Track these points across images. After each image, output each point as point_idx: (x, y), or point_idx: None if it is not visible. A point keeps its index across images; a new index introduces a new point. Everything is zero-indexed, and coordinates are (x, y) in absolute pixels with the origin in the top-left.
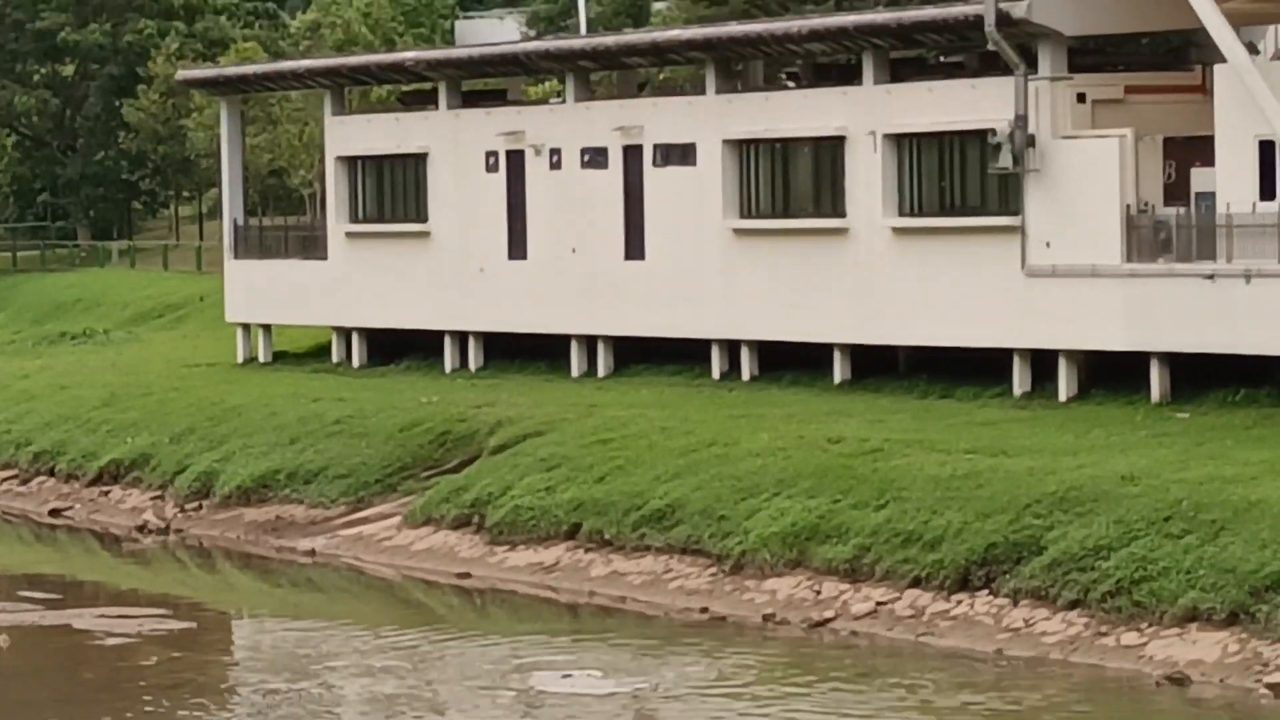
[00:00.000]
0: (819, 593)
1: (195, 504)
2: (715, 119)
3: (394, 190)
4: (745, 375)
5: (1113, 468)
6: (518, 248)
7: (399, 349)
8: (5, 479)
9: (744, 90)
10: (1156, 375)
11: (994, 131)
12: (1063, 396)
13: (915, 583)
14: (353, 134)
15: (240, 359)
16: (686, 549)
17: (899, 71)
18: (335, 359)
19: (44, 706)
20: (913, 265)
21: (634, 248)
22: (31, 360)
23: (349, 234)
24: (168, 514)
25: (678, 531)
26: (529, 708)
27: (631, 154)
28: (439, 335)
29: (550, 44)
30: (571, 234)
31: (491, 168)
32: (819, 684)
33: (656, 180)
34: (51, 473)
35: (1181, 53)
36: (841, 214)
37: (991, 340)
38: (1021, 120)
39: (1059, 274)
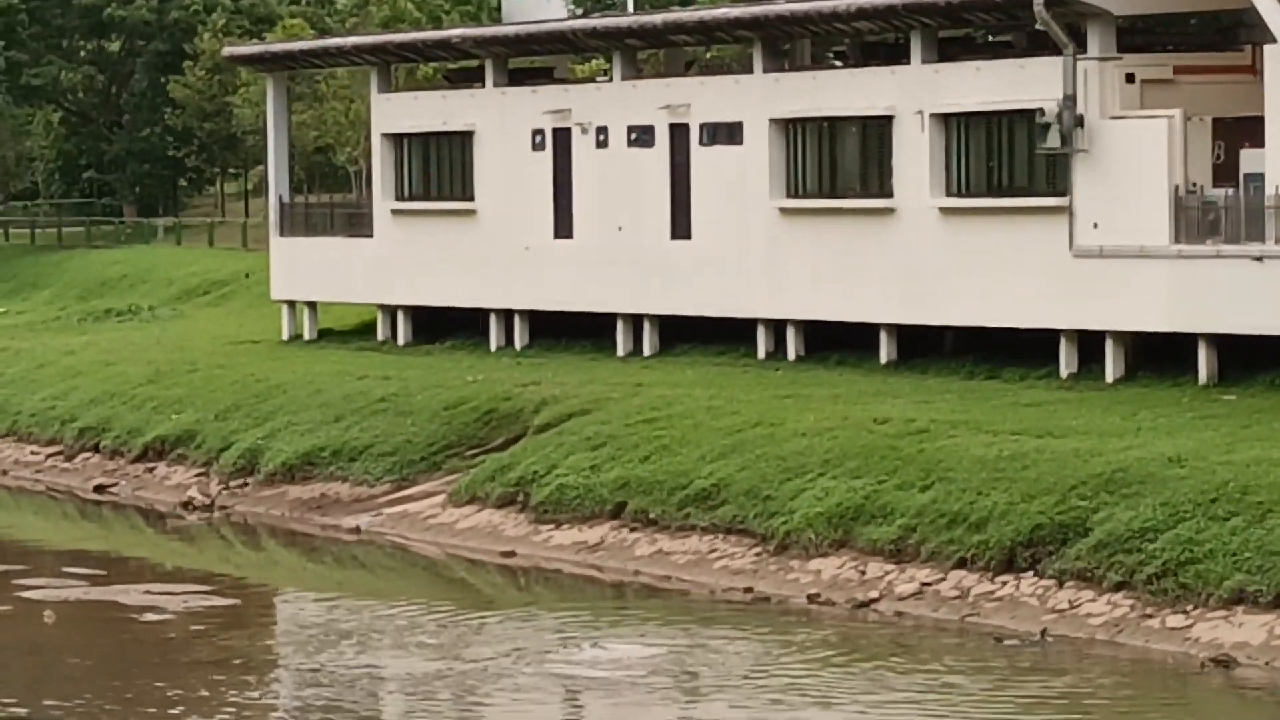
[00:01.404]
0: (864, 573)
1: (240, 481)
2: (762, 98)
3: (440, 168)
4: (791, 355)
5: (1159, 450)
6: (564, 226)
7: (444, 327)
8: (50, 455)
9: (791, 69)
10: (1204, 357)
11: (1042, 111)
12: (1109, 378)
13: (960, 564)
14: (399, 111)
15: (285, 336)
16: (731, 529)
17: (947, 51)
18: (380, 337)
19: (89, 681)
20: (960, 246)
21: (680, 227)
22: (77, 337)
23: (394, 212)
24: (212, 491)
25: (723, 511)
26: (569, 681)
27: (678, 133)
28: (484, 314)
29: (597, 22)
30: (618, 213)
31: (538, 146)
32: (861, 663)
33: (703, 159)
34: (96, 449)
35: (1231, 33)
36: (888, 194)
37: (1038, 321)
38: (1070, 100)
39: (1106, 255)
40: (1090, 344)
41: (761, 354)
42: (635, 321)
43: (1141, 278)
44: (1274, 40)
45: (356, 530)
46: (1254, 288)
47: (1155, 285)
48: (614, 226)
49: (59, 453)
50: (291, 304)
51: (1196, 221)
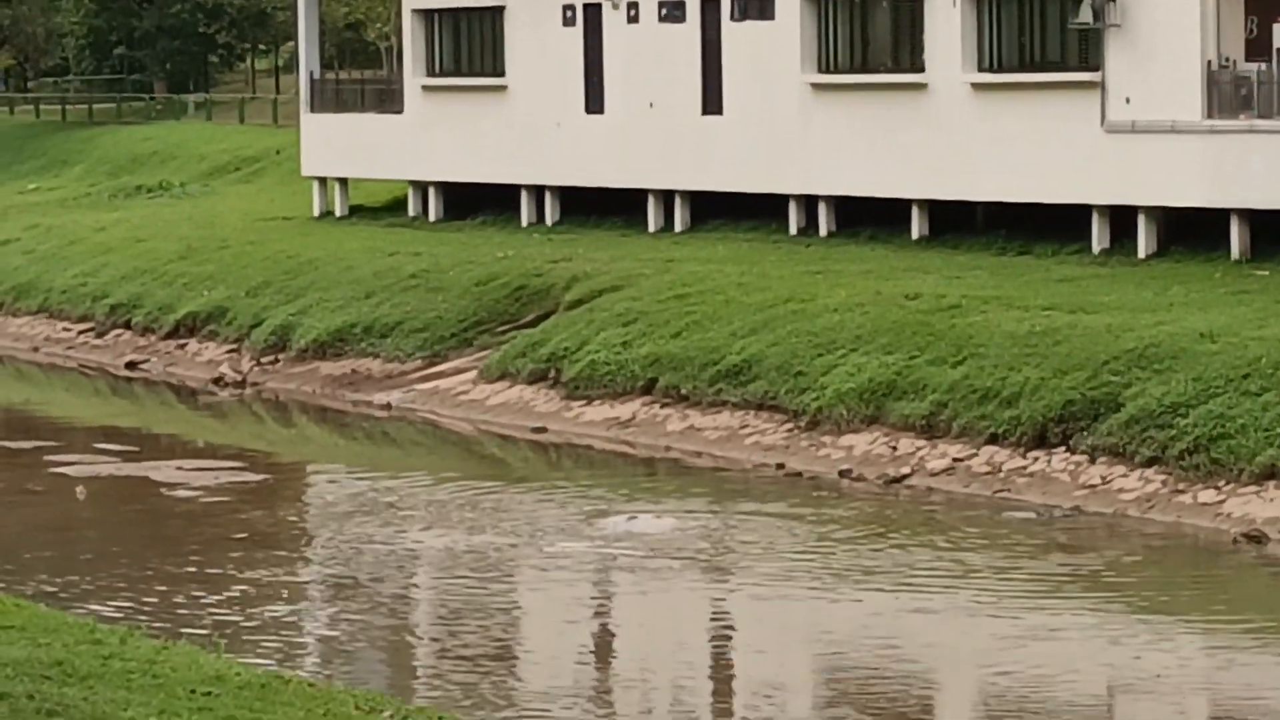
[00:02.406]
0: (895, 449)
1: (271, 357)
2: None
3: (471, 44)
4: (823, 231)
5: (1191, 325)
6: (595, 102)
7: (475, 203)
8: (82, 332)
9: None
10: (1236, 232)
11: None
12: (1142, 253)
13: (992, 439)
14: None
15: (316, 213)
16: (763, 405)
17: None
18: (411, 213)
19: (122, 557)
20: (991, 121)
21: (711, 102)
22: (108, 213)
23: (425, 88)
24: (244, 367)
25: (754, 387)
26: (599, 554)
27: (709, 8)
28: (515, 190)
29: None
30: (649, 89)
31: (569, 21)
32: (890, 535)
33: (734, 34)
34: (128, 326)
35: None
36: (920, 69)
37: (1070, 196)
38: None
39: (1139, 130)
40: (1122, 219)
41: (793, 230)
42: (667, 197)
43: (1174, 153)
44: None
45: (388, 406)
46: None
47: (1188, 160)
48: (645, 102)
49: (90, 329)
50: (322, 180)
51: (1229, 96)
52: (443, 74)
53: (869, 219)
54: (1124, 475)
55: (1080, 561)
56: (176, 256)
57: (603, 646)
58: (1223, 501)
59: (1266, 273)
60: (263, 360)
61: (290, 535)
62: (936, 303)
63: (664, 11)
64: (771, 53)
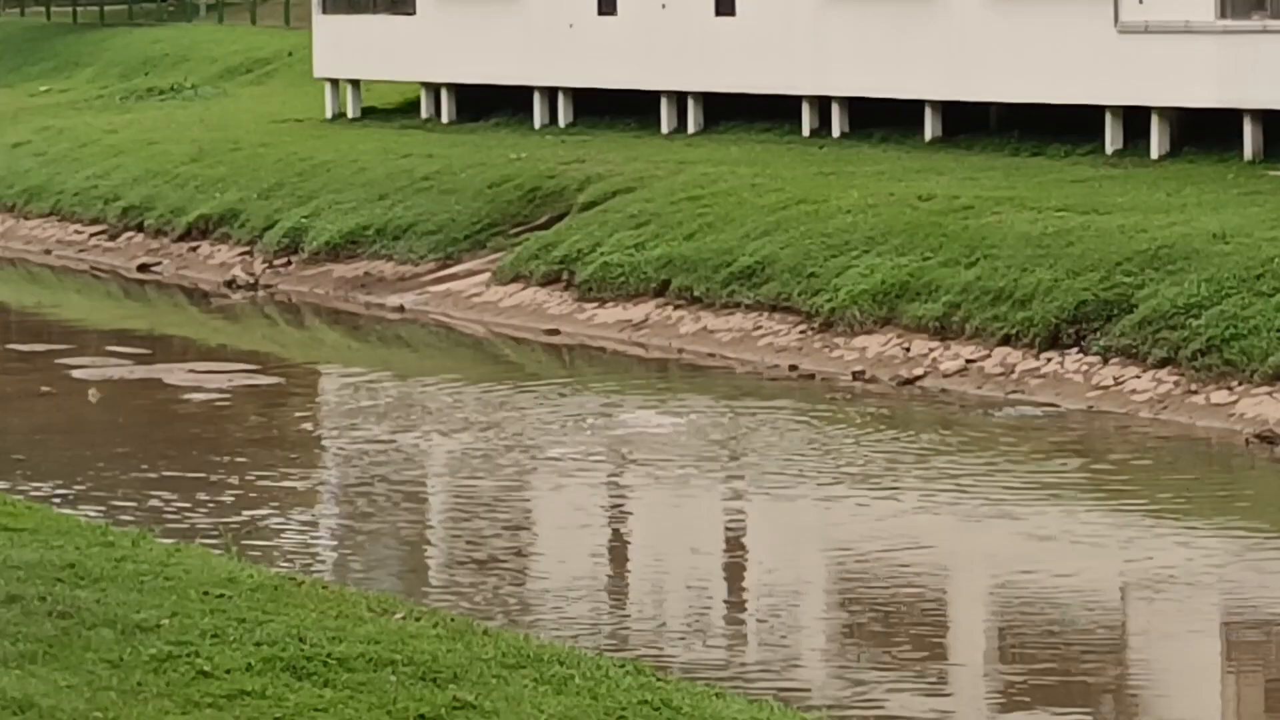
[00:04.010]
0: (908, 350)
1: (284, 260)
2: None
3: None
4: (835, 132)
5: (1204, 226)
6: (608, 3)
7: (488, 105)
8: (94, 235)
9: None
10: (1249, 133)
11: None
12: (1155, 154)
13: (1005, 340)
14: None
15: (328, 115)
16: (776, 306)
17: None
18: (424, 115)
19: (136, 459)
20: (1005, 21)
21: (725, 3)
22: (119, 115)
23: None
24: (256, 270)
25: (767, 289)
26: (612, 448)
27: None
28: (528, 91)
29: None
30: None
31: None
32: (903, 436)
33: None
34: (140, 228)
35: None
36: None
37: (1083, 97)
38: None
39: (1151, 30)
40: (1135, 120)
41: (806, 131)
42: (679, 99)
43: (1187, 53)
44: None
45: (400, 309)
46: None
47: (1201, 61)
48: (658, 3)
49: (102, 232)
50: (335, 82)
51: None
52: None
53: (882, 120)
54: (1136, 376)
55: (1092, 462)
56: (188, 159)
57: (615, 548)
58: (1235, 402)
59: (1279, 173)
60: (275, 263)
61: (303, 438)
62: (949, 204)
63: None
64: None
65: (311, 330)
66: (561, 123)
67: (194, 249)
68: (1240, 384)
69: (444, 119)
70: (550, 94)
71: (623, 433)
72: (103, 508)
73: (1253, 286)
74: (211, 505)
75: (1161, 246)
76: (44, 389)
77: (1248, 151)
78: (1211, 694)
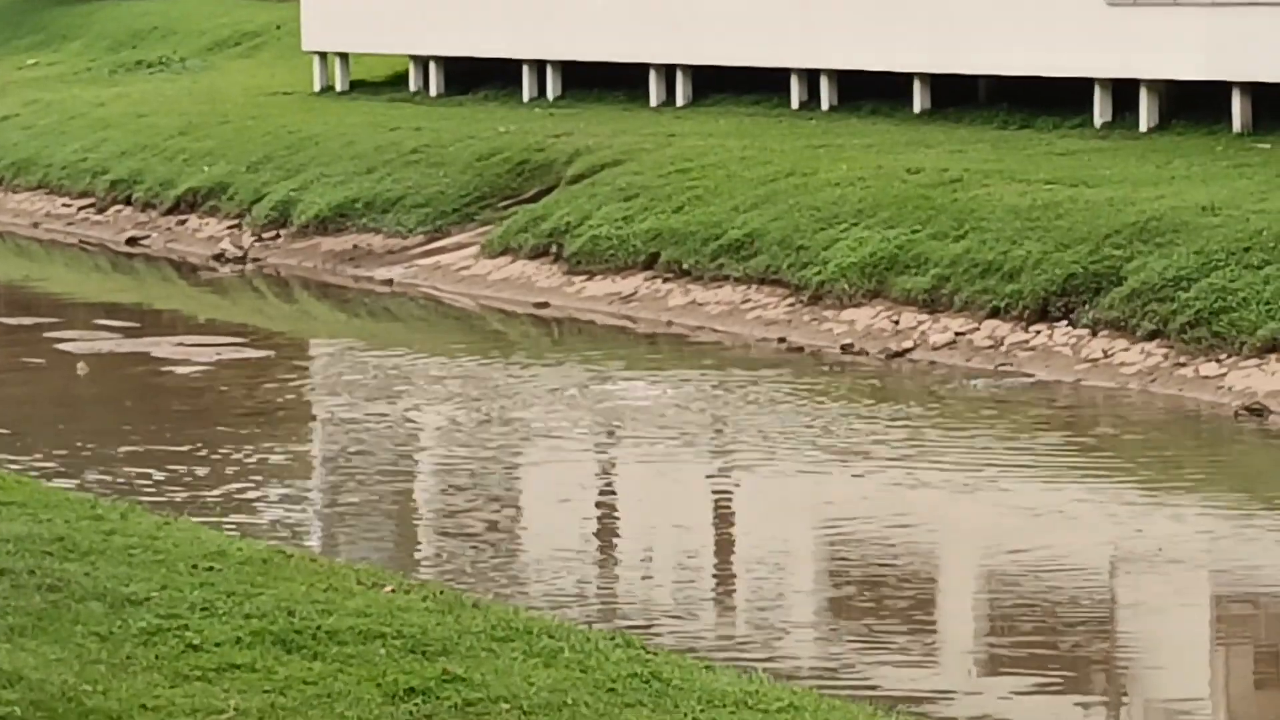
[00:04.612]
0: (897, 323)
1: (272, 233)
2: None
3: None
4: (824, 105)
5: (1193, 198)
6: None
7: (476, 78)
8: (82, 208)
9: None
10: (1238, 106)
11: None
12: (1143, 127)
13: (994, 313)
14: None
15: (317, 88)
16: (765, 279)
17: None
18: (412, 88)
19: (124, 433)
20: None
21: None
22: (107, 89)
23: None
24: (245, 243)
25: (756, 262)
26: (601, 421)
27: None
28: (516, 64)
29: None
30: None
31: None
32: (892, 409)
33: None
34: (128, 201)
35: None
36: None
37: (1072, 70)
38: None
39: (1141, 3)
40: (1124, 93)
41: (794, 104)
42: (668, 72)
43: (1176, 26)
44: None
45: (389, 282)
46: None
47: (1190, 33)
48: None
49: (90, 205)
50: (323, 55)
51: None
52: None
53: (871, 93)
54: (1125, 349)
55: (1081, 435)
56: (177, 132)
57: (603, 520)
58: (1224, 375)
59: (1268, 146)
60: (264, 236)
61: (291, 411)
62: (938, 176)
63: None
64: None
65: (300, 303)
66: (550, 96)
67: (182, 222)
68: (1229, 356)
69: (432, 92)
70: (539, 67)
71: (611, 405)
72: (91, 481)
73: (1241, 259)
74: (200, 478)
75: (1150, 219)
76: (32, 362)
77: (1236, 124)
78: (1201, 667)
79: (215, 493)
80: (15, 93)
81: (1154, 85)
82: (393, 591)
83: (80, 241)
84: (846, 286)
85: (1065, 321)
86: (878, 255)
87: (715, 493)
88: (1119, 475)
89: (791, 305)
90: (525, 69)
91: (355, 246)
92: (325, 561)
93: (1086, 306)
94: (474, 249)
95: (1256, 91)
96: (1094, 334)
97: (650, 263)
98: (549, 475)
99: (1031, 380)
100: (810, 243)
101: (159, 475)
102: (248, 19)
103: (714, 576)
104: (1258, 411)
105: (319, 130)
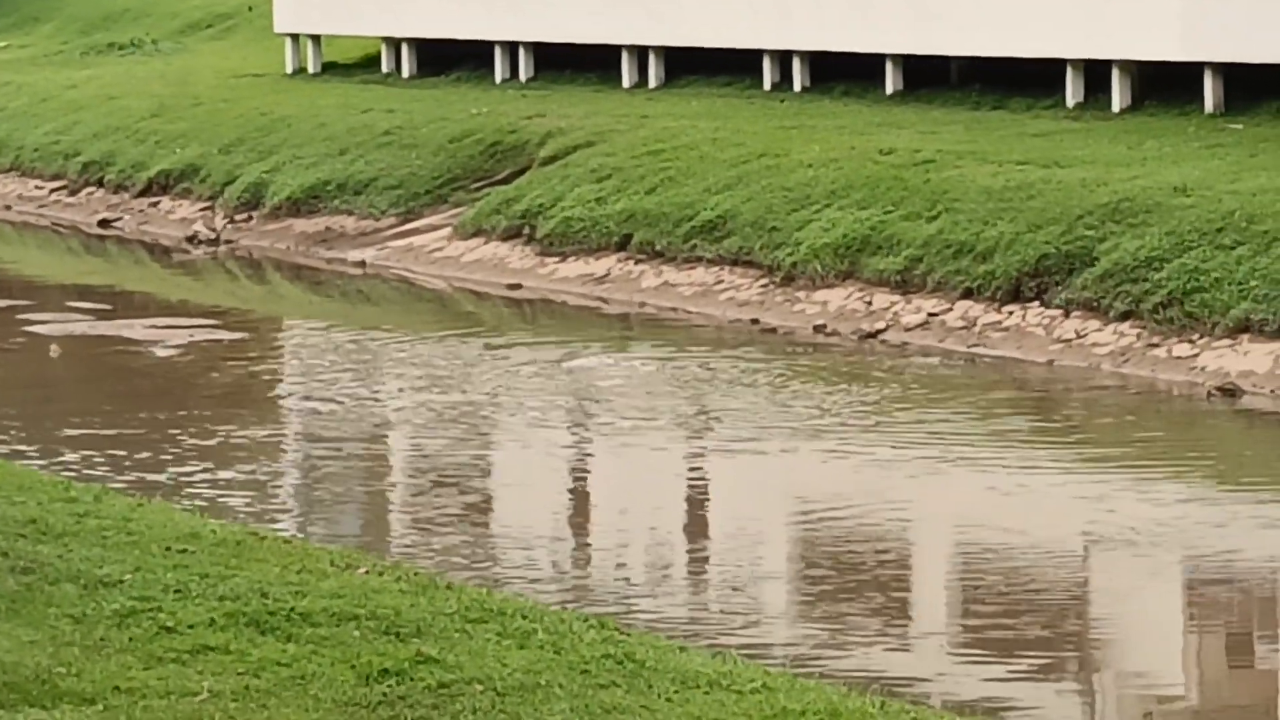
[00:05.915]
0: (870, 304)
1: (245, 215)
2: None
3: None
4: (797, 86)
5: (1165, 179)
6: None
7: (449, 59)
8: (54, 190)
9: None
10: (1210, 86)
11: None
12: (1116, 108)
13: (967, 294)
14: None
15: (289, 70)
16: (738, 260)
17: None
18: (385, 70)
19: (95, 415)
20: None
21: None
22: (79, 71)
23: None
24: (217, 225)
25: (729, 243)
26: (574, 403)
27: None
28: (489, 46)
29: None
30: None
31: None
32: (864, 389)
33: None
34: (100, 184)
35: None
36: None
37: (1045, 51)
38: None
39: None
40: (1097, 74)
41: (767, 85)
42: (640, 53)
43: (1149, 6)
44: None
45: (362, 264)
46: (1262, 16)
47: (1163, 14)
48: None
49: (63, 187)
50: (295, 37)
51: None
52: None
53: (843, 74)
54: (1098, 329)
55: (1053, 415)
56: (149, 114)
57: (577, 501)
58: (1197, 355)
59: (1240, 126)
60: (236, 218)
61: (264, 392)
62: (911, 158)
63: None
64: None
65: (273, 285)
66: (523, 77)
67: (155, 204)
68: (1202, 337)
69: (405, 74)
70: (511, 48)
71: (584, 385)
72: (65, 463)
73: (1214, 240)
74: (173, 459)
75: (1123, 200)
76: (3, 345)
77: (1209, 105)
78: (1173, 646)
79: (188, 474)
80: None
81: (1126, 66)
82: (366, 573)
83: (52, 224)
84: (819, 267)
85: (1038, 302)
86: (850, 236)
87: (689, 474)
88: (1091, 456)
89: (764, 286)
90: (498, 50)
91: (328, 228)
92: (299, 543)
93: (1059, 287)
94: (446, 231)
95: (1229, 72)
96: (1067, 315)
97: (623, 244)
98: (523, 456)
99: (1016, 360)
100: (783, 224)
101: (132, 457)
102: (219, 1)
103: (687, 557)
104: (1230, 392)
105: (291, 112)
